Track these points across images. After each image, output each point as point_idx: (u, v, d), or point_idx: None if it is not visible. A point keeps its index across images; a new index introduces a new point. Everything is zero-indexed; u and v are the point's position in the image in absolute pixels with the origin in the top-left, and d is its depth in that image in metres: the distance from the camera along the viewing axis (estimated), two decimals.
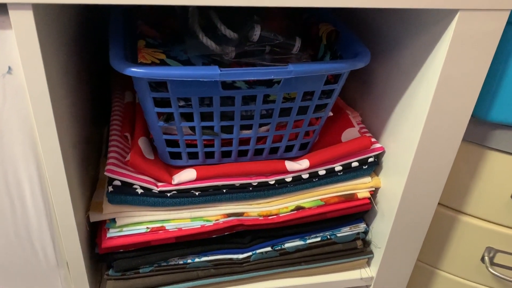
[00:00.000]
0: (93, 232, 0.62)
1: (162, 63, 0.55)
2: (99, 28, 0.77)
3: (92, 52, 0.72)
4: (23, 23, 0.39)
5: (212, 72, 0.47)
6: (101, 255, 0.60)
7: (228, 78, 0.48)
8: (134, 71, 0.47)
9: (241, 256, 0.64)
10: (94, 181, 0.63)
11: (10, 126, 0.45)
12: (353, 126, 0.65)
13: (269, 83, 0.59)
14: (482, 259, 0.70)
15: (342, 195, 0.64)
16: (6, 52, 0.41)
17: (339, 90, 0.56)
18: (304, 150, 0.64)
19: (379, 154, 0.64)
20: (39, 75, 0.42)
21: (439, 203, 0.69)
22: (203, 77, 0.47)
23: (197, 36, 0.57)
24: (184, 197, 0.58)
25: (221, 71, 0.47)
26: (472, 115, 0.56)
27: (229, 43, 0.59)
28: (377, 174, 0.67)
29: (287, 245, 0.65)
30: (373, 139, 0.64)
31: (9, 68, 0.42)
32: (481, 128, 0.61)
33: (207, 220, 0.60)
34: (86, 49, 0.66)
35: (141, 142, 0.59)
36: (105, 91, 0.75)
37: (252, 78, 0.49)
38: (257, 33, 0.60)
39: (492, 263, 0.70)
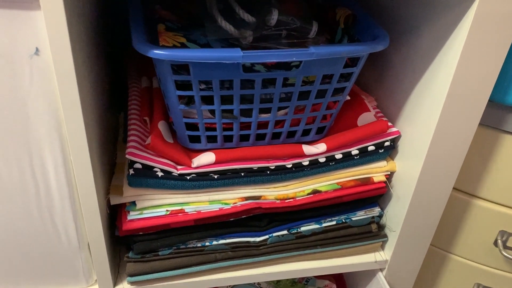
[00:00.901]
0: (112, 216, 0.62)
1: (183, 46, 0.55)
2: (112, 15, 0.77)
3: (107, 38, 0.72)
4: (52, 3, 0.39)
5: (235, 54, 0.48)
6: (120, 238, 0.61)
7: (251, 60, 0.48)
8: (158, 53, 0.47)
9: (258, 239, 0.65)
10: (112, 166, 0.64)
11: (36, 107, 0.46)
12: (369, 111, 0.66)
13: (287, 67, 0.59)
14: (495, 243, 0.71)
15: (358, 178, 0.65)
16: (34, 33, 0.42)
17: (357, 73, 0.57)
18: (321, 134, 0.64)
19: (395, 138, 0.65)
20: (67, 55, 0.42)
21: (453, 187, 0.70)
22: (226, 59, 0.48)
23: (216, 20, 0.58)
24: (203, 180, 0.59)
25: (243, 53, 0.48)
26: (489, 99, 0.57)
27: (247, 27, 0.59)
28: (392, 158, 0.67)
29: (303, 228, 0.66)
30: (389, 123, 0.65)
31: (37, 49, 0.42)
32: (497, 112, 0.61)
33: (225, 203, 0.61)
34: (103, 34, 0.67)
35: (161, 126, 0.59)
36: (118, 78, 0.76)
37: (275, 61, 0.49)
38: (274, 17, 0.60)
39: (505, 247, 0.70)
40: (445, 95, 0.54)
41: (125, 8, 0.58)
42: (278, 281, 0.82)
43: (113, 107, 0.73)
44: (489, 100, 0.58)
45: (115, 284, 0.63)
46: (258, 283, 0.81)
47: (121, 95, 0.72)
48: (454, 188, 0.70)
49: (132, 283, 0.62)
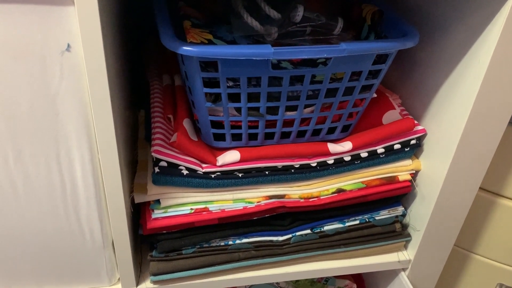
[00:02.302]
0: (134, 214, 0.62)
1: (210, 43, 0.55)
2: (131, 11, 0.77)
3: (128, 35, 0.72)
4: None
5: (266, 51, 0.47)
6: (143, 237, 0.60)
7: (281, 57, 0.48)
8: (188, 49, 0.46)
9: (281, 238, 0.64)
10: (133, 164, 0.63)
11: (65, 104, 0.45)
12: (394, 109, 0.65)
13: (313, 63, 0.58)
14: None
15: (383, 177, 0.64)
16: (66, 29, 0.41)
17: (385, 70, 0.56)
18: (346, 132, 0.63)
19: (420, 136, 0.64)
20: (98, 52, 0.42)
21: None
22: (256, 56, 0.47)
23: (242, 16, 0.57)
24: (228, 179, 0.58)
25: (274, 49, 0.47)
26: None
27: (272, 23, 0.59)
28: (417, 157, 0.66)
29: (326, 227, 0.65)
30: (415, 122, 0.64)
31: (68, 45, 0.42)
32: None
33: (249, 202, 0.60)
34: (126, 31, 0.66)
35: (186, 124, 0.59)
36: (136, 75, 0.75)
37: (305, 57, 0.48)
38: (300, 13, 0.59)
39: None
40: (475, 94, 0.54)
41: (142, 5, 0.57)
42: (297, 280, 0.81)
43: (132, 105, 0.72)
44: None
45: (137, 283, 0.62)
46: (277, 282, 0.81)
47: (140, 92, 0.71)
48: (479, 187, 0.69)
49: (155, 282, 0.62)
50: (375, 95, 0.62)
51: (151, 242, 0.61)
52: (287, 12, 0.60)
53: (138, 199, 0.58)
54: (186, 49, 0.46)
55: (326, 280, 0.81)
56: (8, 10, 0.39)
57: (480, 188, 0.69)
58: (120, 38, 0.59)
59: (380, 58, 0.56)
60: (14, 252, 0.56)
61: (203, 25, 0.58)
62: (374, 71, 0.56)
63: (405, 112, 0.66)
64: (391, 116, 0.65)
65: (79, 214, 0.54)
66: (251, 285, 0.80)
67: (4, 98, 0.44)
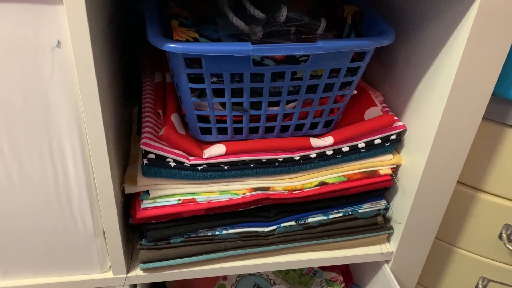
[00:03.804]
0: (126, 205, 0.65)
1: (196, 41, 0.58)
2: (127, 12, 0.80)
3: (122, 34, 0.75)
4: None
5: (245, 48, 0.50)
6: (134, 226, 0.63)
7: (260, 53, 0.51)
8: (172, 46, 0.49)
9: (266, 229, 0.67)
10: (126, 158, 0.66)
11: (57, 98, 0.48)
12: (376, 105, 0.67)
13: (295, 62, 0.61)
14: (500, 236, 0.72)
15: (365, 171, 0.66)
16: (56, 26, 0.44)
17: (364, 68, 0.59)
18: (328, 127, 0.66)
19: (401, 132, 0.66)
20: (86, 48, 0.45)
21: (458, 181, 0.71)
22: (236, 53, 0.50)
23: (227, 16, 0.60)
24: (214, 171, 0.61)
25: (253, 47, 0.50)
26: (492, 93, 0.58)
27: (257, 23, 0.62)
28: (398, 152, 0.69)
29: (310, 219, 0.68)
30: (395, 118, 0.66)
31: (58, 42, 0.45)
32: (501, 106, 0.62)
33: (235, 194, 0.63)
34: (119, 31, 0.69)
35: (174, 118, 0.61)
36: (132, 74, 0.78)
37: (283, 54, 0.51)
38: (284, 13, 0.62)
39: (510, 240, 0.71)
40: (449, 89, 0.56)
41: (139, 6, 0.60)
42: (286, 273, 0.84)
43: (127, 102, 0.75)
44: (493, 95, 0.60)
45: (128, 271, 0.65)
46: (267, 275, 0.83)
47: (135, 90, 0.74)
48: (459, 182, 0.71)
49: (144, 270, 0.64)
50: (355, 92, 0.64)
51: (141, 232, 0.64)
52: (271, 13, 0.62)
53: (129, 189, 0.61)
54: (171, 46, 0.49)
55: (314, 272, 0.84)
56: (2, 8, 0.42)
57: (460, 183, 0.72)
58: (112, 37, 0.62)
59: (359, 56, 0.58)
60: (9, 240, 0.59)
61: (191, 24, 0.61)
62: (353, 68, 0.59)
63: (386, 109, 0.68)
64: (372, 112, 0.67)
65: (71, 203, 0.57)
66: (241, 278, 0.83)
67: None
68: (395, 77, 0.70)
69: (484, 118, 0.64)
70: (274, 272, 0.84)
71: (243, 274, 0.83)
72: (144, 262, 0.63)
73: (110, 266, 0.65)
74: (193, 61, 0.54)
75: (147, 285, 0.75)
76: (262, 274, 0.83)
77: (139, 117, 0.67)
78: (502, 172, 0.68)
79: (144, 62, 0.76)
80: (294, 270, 0.84)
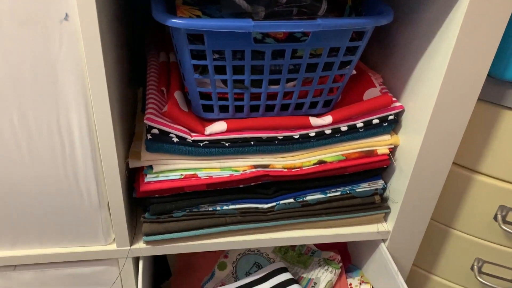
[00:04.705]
0: (130, 180, 0.67)
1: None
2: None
3: (130, 15, 0.76)
4: None
5: (247, 24, 0.51)
6: (138, 200, 0.65)
7: (261, 29, 0.52)
8: (175, 22, 0.51)
9: (265, 205, 0.69)
10: (131, 136, 0.68)
11: (64, 70, 0.50)
12: (375, 86, 0.69)
13: (296, 41, 0.62)
14: (495, 218, 0.73)
15: (363, 151, 0.68)
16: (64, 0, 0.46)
17: (363, 47, 0.60)
18: (327, 107, 0.68)
19: (399, 112, 0.68)
20: (93, 21, 0.46)
21: (454, 163, 0.73)
22: (238, 28, 0.52)
23: None
24: (215, 147, 0.63)
25: (254, 23, 0.51)
26: (488, 75, 0.59)
27: (259, 2, 0.63)
28: (396, 133, 0.70)
29: (309, 197, 0.70)
30: (393, 98, 0.68)
31: (66, 14, 0.47)
32: (497, 87, 0.64)
33: (235, 170, 0.65)
34: (126, 10, 0.71)
35: (177, 95, 0.63)
36: (139, 56, 0.80)
37: (283, 31, 0.53)
38: None
39: (505, 221, 0.73)
40: (444, 70, 0.57)
41: None
42: (285, 253, 0.86)
43: (133, 82, 0.77)
44: (489, 76, 0.61)
45: (131, 243, 0.67)
46: (266, 254, 0.85)
47: (141, 73, 0.76)
48: (454, 163, 0.73)
49: (147, 242, 0.67)
50: (354, 72, 0.65)
51: (145, 205, 0.66)
52: None
53: (133, 164, 0.63)
54: (174, 21, 0.51)
55: (313, 252, 0.85)
56: None
57: (456, 164, 0.73)
58: (119, 15, 0.64)
59: (359, 36, 0.60)
60: (17, 210, 0.61)
61: (194, 3, 0.63)
62: (352, 47, 0.60)
63: (385, 90, 0.70)
64: (371, 93, 0.69)
65: (77, 174, 0.59)
66: (241, 256, 0.85)
67: (10, 62, 0.49)
68: (394, 59, 0.71)
69: (480, 99, 0.65)
70: (273, 251, 0.86)
71: (244, 252, 0.85)
72: (147, 235, 0.65)
73: (114, 239, 0.67)
74: (195, 37, 0.55)
75: (150, 263, 0.77)
76: (262, 253, 0.85)
77: (143, 97, 0.69)
78: (498, 154, 0.69)
79: (150, 43, 0.78)
80: (293, 249, 0.86)
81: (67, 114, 0.54)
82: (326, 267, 0.81)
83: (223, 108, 0.64)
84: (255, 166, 0.66)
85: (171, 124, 0.61)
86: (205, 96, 0.62)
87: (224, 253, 0.85)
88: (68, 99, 0.52)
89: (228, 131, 0.63)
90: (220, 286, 0.78)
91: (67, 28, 0.47)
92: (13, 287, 0.68)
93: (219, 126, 0.63)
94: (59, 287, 0.69)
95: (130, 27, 0.78)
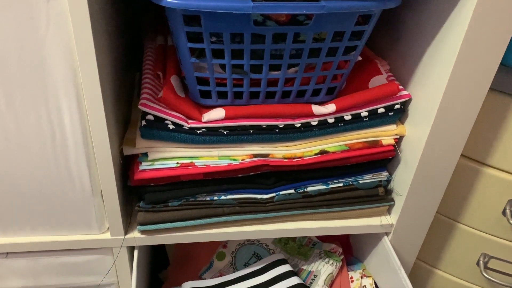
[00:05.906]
0: (125, 168, 0.65)
1: None
2: None
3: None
4: None
5: (245, 5, 0.48)
6: (132, 188, 0.63)
7: (261, 11, 0.49)
8: (170, 1, 0.48)
9: (265, 196, 0.66)
10: (126, 123, 0.66)
11: (52, 52, 0.48)
12: (381, 74, 0.66)
13: (298, 24, 0.59)
14: (504, 212, 0.71)
15: (367, 141, 0.65)
16: None
17: (369, 32, 0.57)
18: (331, 95, 0.65)
19: (405, 101, 0.65)
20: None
21: (462, 155, 0.70)
22: (236, 10, 0.49)
23: None
24: (213, 135, 0.60)
25: (254, 4, 0.48)
26: (501, 63, 0.56)
27: None
28: (402, 123, 0.67)
29: (310, 188, 0.67)
30: (400, 86, 0.65)
31: None
32: (510, 76, 0.60)
33: (234, 159, 0.63)
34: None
35: (173, 80, 0.61)
36: (137, 42, 0.77)
37: (285, 12, 0.50)
38: None
39: None
40: (455, 58, 0.54)
41: None
42: (285, 244, 0.84)
43: (130, 68, 0.75)
44: (502, 65, 0.58)
45: (126, 232, 0.65)
46: (266, 245, 0.83)
47: (139, 58, 0.73)
48: (463, 155, 0.70)
49: (142, 231, 0.65)
50: (360, 58, 0.62)
51: (140, 194, 0.64)
52: None
53: (127, 151, 0.61)
54: (169, 1, 0.48)
55: (314, 244, 0.83)
56: None
57: (465, 156, 0.70)
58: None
59: (364, 20, 0.57)
60: (8, 197, 0.59)
61: None
62: (358, 32, 0.57)
63: (392, 78, 0.67)
64: (377, 81, 0.66)
65: (68, 161, 0.57)
66: (241, 246, 0.83)
67: None
68: (402, 46, 0.68)
69: (492, 89, 0.62)
70: (273, 242, 0.84)
71: (243, 243, 0.83)
72: (141, 224, 0.63)
73: (108, 228, 0.65)
74: (192, 19, 0.52)
75: (147, 252, 0.75)
76: (261, 244, 0.83)
77: (140, 82, 0.67)
78: (508, 146, 0.66)
79: (148, 27, 0.75)
80: (293, 240, 0.84)
81: (57, 98, 0.51)
82: (327, 260, 0.79)
83: (222, 95, 0.61)
84: (255, 155, 0.63)
85: (167, 111, 0.59)
86: (203, 81, 0.60)
87: (223, 243, 0.83)
88: (57, 82, 0.50)
89: (226, 118, 0.60)
90: (218, 276, 0.77)
91: (54, 7, 0.45)
92: (5, 275, 0.66)
93: (217, 113, 0.60)
94: (52, 276, 0.68)
95: (129, 10, 0.75)
